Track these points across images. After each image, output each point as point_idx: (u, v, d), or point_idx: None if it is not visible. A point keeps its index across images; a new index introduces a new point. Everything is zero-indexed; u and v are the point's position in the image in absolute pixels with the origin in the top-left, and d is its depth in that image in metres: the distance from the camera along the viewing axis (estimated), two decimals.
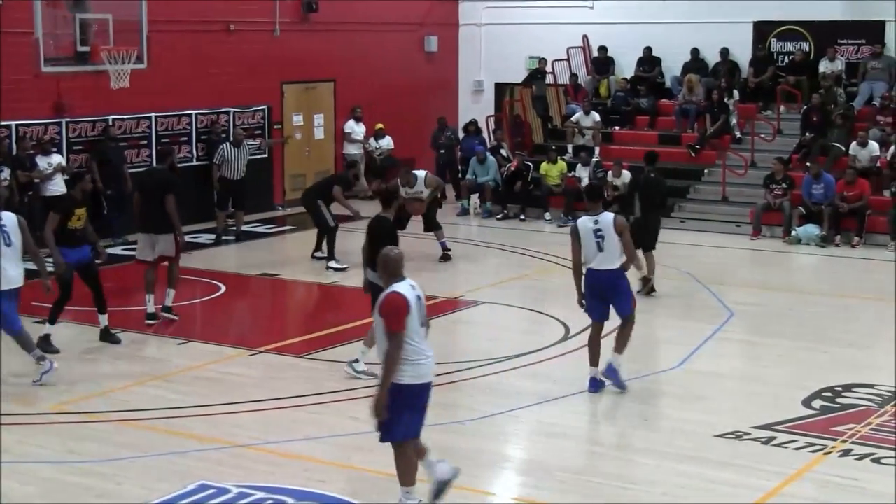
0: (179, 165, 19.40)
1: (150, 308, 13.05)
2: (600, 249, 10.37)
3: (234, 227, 18.87)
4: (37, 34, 16.76)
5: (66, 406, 10.24)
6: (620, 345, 10.65)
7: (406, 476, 7.69)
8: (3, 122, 16.98)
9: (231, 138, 19.26)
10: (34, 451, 9.05)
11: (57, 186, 16.81)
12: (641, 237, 13.79)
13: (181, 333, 12.76)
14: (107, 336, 12.26)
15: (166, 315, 13.14)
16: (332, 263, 15.99)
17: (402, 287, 7.53)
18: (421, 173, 16.73)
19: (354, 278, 15.39)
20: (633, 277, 12.06)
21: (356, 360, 11.03)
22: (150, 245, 13.05)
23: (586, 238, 10.37)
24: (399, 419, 7.53)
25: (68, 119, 17.97)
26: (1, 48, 16.77)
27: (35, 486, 8.40)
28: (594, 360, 10.66)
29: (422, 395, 7.66)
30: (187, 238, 18.34)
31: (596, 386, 10.60)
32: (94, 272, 12.12)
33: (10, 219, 10.56)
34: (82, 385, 11.00)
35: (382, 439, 7.66)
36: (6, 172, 16.26)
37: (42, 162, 16.88)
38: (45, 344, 11.68)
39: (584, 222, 10.44)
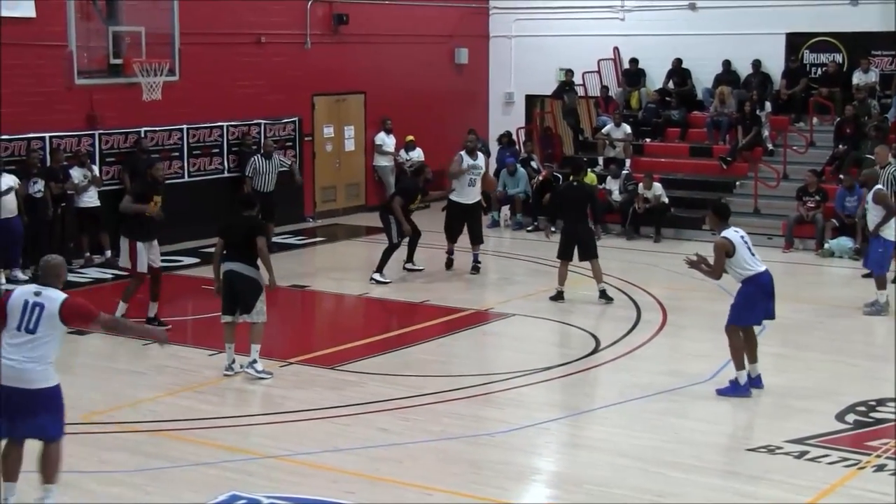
0: (210, 177, 19.56)
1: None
2: (753, 255, 10.87)
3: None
4: (70, 47, 16.94)
5: (96, 416, 10.29)
6: (754, 353, 10.96)
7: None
8: (36, 135, 17.12)
9: (262, 151, 19.31)
10: (66, 462, 9.04)
11: (91, 198, 16.93)
12: (579, 248, 14.67)
13: (212, 344, 12.79)
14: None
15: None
16: (377, 276, 15.84)
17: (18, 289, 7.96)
18: (483, 155, 17.13)
19: (388, 292, 15.48)
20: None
21: (255, 361, 11.29)
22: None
23: (741, 247, 10.72)
24: None
25: (101, 131, 18.10)
26: (13, 60, 16.90)
27: (66, 496, 8.41)
28: (743, 364, 10.86)
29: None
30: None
31: (747, 390, 10.80)
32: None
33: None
34: (113, 395, 11.06)
35: None
36: (40, 184, 16.39)
37: (76, 174, 16.99)
38: None
39: (733, 234, 10.80)
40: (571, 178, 15.40)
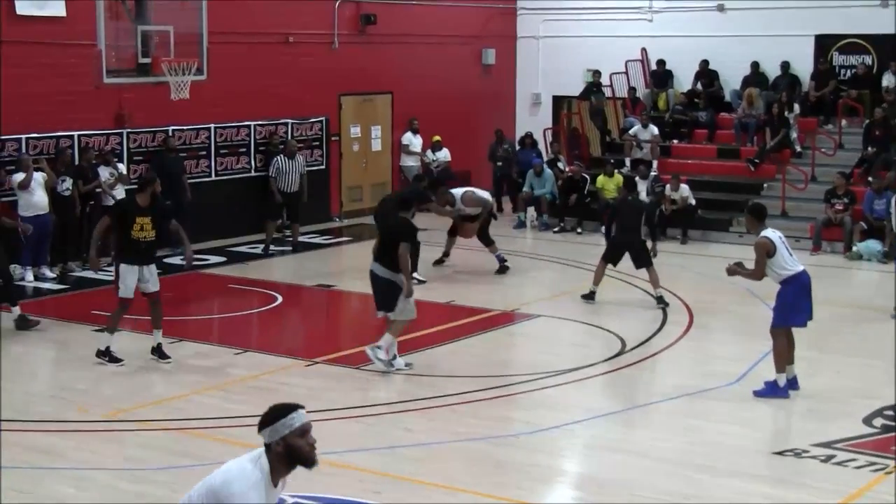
0: (237, 177, 19.62)
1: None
2: (791, 255, 10.84)
3: (291, 239, 18.94)
4: (99, 46, 16.99)
5: (122, 414, 10.33)
6: (791, 355, 10.94)
7: None
8: (65, 133, 17.23)
9: (285, 151, 19.31)
10: (90, 458, 9.13)
11: (119, 197, 17.00)
12: (632, 257, 14.74)
13: (238, 343, 12.83)
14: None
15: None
16: (416, 275, 15.27)
17: None
18: (458, 192, 16.81)
19: (424, 292, 15.44)
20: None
21: (379, 346, 11.52)
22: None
23: (780, 247, 10.67)
24: None
25: (129, 130, 18.19)
26: (23, 59, 17.01)
27: (91, 492, 8.47)
28: (784, 366, 10.84)
29: None
30: (244, 249, 18.59)
31: (786, 392, 10.77)
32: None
33: None
34: (139, 394, 11.10)
35: None
36: (68, 182, 16.49)
37: (104, 172, 17.09)
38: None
39: (771, 234, 10.72)
40: (628, 194, 15.58)
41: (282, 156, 19.06)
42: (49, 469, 8.86)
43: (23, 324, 13.24)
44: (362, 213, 22.23)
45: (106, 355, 11.78)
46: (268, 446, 4.78)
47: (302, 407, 4.84)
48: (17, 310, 13.34)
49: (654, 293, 14.68)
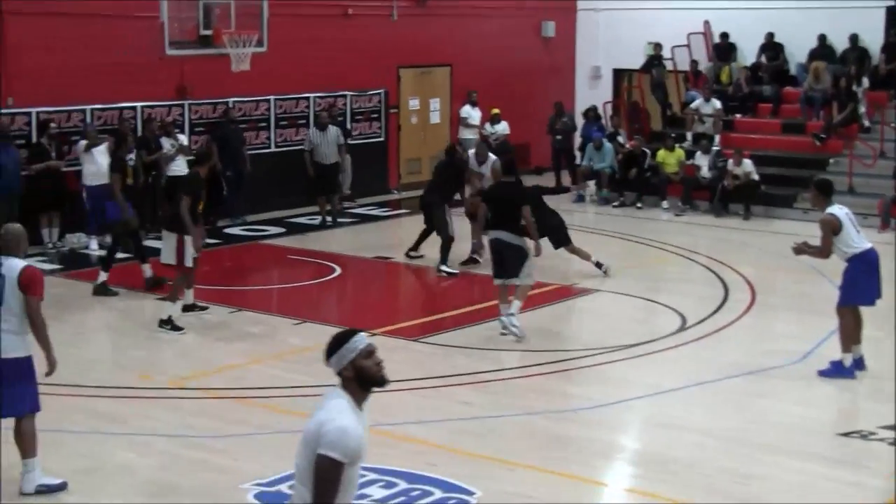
0: (296, 148, 19.59)
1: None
2: (858, 232, 10.61)
3: (331, 211, 18.57)
4: (162, 18, 17.12)
5: (183, 382, 10.42)
6: (858, 334, 10.73)
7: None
8: (128, 104, 17.35)
9: (317, 122, 18.88)
10: (151, 425, 9.22)
11: (179, 167, 17.09)
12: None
13: (296, 313, 12.88)
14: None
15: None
16: (444, 268, 15.06)
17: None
18: (493, 157, 15.87)
19: (486, 267, 15.36)
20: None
21: (512, 314, 11.62)
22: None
23: (847, 224, 10.46)
24: None
25: (190, 101, 18.28)
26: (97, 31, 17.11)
27: (152, 457, 8.56)
28: (850, 346, 10.67)
29: None
30: (303, 220, 18.63)
31: (851, 372, 10.60)
32: None
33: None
34: (199, 362, 11.19)
35: None
36: (132, 152, 16.58)
37: (166, 143, 17.19)
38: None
39: (838, 210, 10.52)
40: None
41: (313, 128, 18.95)
42: (111, 434, 8.96)
43: (102, 291, 13.43)
44: (420, 186, 22.13)
45: (168, 324, 11.91)
46: (339, 375, 4.95)
47: (362, 331, 5.03)
48: (103, 276, 13.52)
49: (592, 261, 14.67)
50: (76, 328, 12.16)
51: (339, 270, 15.31)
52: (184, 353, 11.47)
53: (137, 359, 11.27)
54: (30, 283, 7.61)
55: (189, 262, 12.11)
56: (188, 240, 12.05)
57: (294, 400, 9.88)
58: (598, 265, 14.67)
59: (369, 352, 4.95)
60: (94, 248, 16.01)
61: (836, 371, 10.60)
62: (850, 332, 10.62)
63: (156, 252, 13.21)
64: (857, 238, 10.57)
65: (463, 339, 11.85)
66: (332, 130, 18.63)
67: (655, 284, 14.69)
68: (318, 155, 18.42)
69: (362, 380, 4.95)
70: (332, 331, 5.26)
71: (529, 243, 11.91)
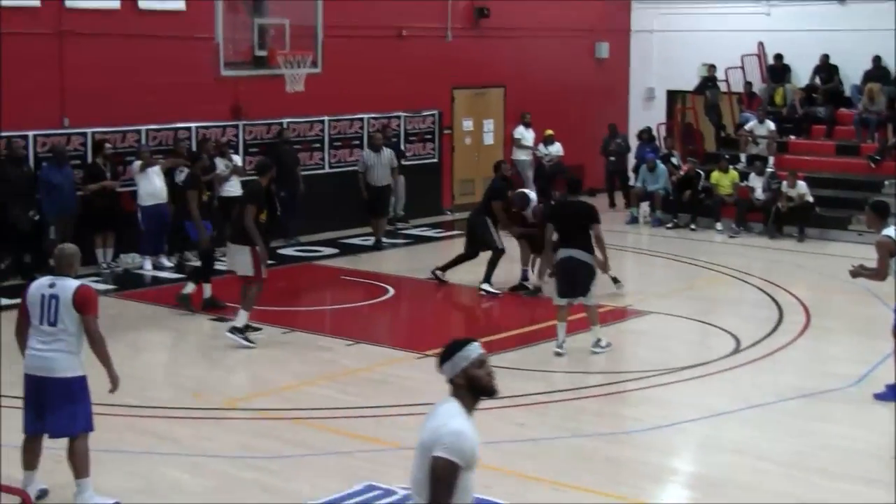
0: (350, 169, 19.69)
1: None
2: None
3: (374, 235, 18.52)
4: (217, 39, 17.31)
5: (238, 402, 10.49)
6: None
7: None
8: (183, 125, 17.57)
9: (370, 144, 18.92)
10: (205, 445, 9.28)
11: (233, 188, 17.27)
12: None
13: (349, 335, 12.93)
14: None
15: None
16: (486, 286, 15.08)
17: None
18: (533, 196, 15.69)
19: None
20: None
21: (599, 340, 11.95)
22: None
23: None
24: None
25: (245, 122, 18.47)
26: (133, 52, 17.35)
27: (207, 479, 8.61)
28: None
29: (26, 386, 7.84)
30: (356, 241, 18.72)
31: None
32: None
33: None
34: (254, 383, 11.28)
35: None
36: (186, 173, 16.77)
37: (220, 164, 17.36)
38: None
39: (894, 233, 10.32)
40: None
41: (367, 150, 19.06)
42: (164, 454, 9.03)
43: (212, 304, 13.64)
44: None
45: (242, 332, 12.04)
46: (451, 382, 4.99)
47: (476, 340, 5.05)
48: (208, 289, 13.70)
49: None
50: (130, 348, 12.28)
51: (392, 291, 15.36)
52: (238, 374, 11.56)
53: (192, 378, 11.37)
54: (85, 302, 7.73)
55: (265, 274, 12.23)
56: (261, 253, 12.18)
57: (348, 421, 9.92)
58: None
59: (482, 361, 4.99)
60: (147, 268, 16.20)
61: (893, 395, 10.46)
62: None
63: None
64: None
65: (517, 361, 11.83)
66: (387, 152, 18.70)
67: (709, 306, 14.60)
68: (370, 177, 18.47)
69: (474, 389, 4.99)
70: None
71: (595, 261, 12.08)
